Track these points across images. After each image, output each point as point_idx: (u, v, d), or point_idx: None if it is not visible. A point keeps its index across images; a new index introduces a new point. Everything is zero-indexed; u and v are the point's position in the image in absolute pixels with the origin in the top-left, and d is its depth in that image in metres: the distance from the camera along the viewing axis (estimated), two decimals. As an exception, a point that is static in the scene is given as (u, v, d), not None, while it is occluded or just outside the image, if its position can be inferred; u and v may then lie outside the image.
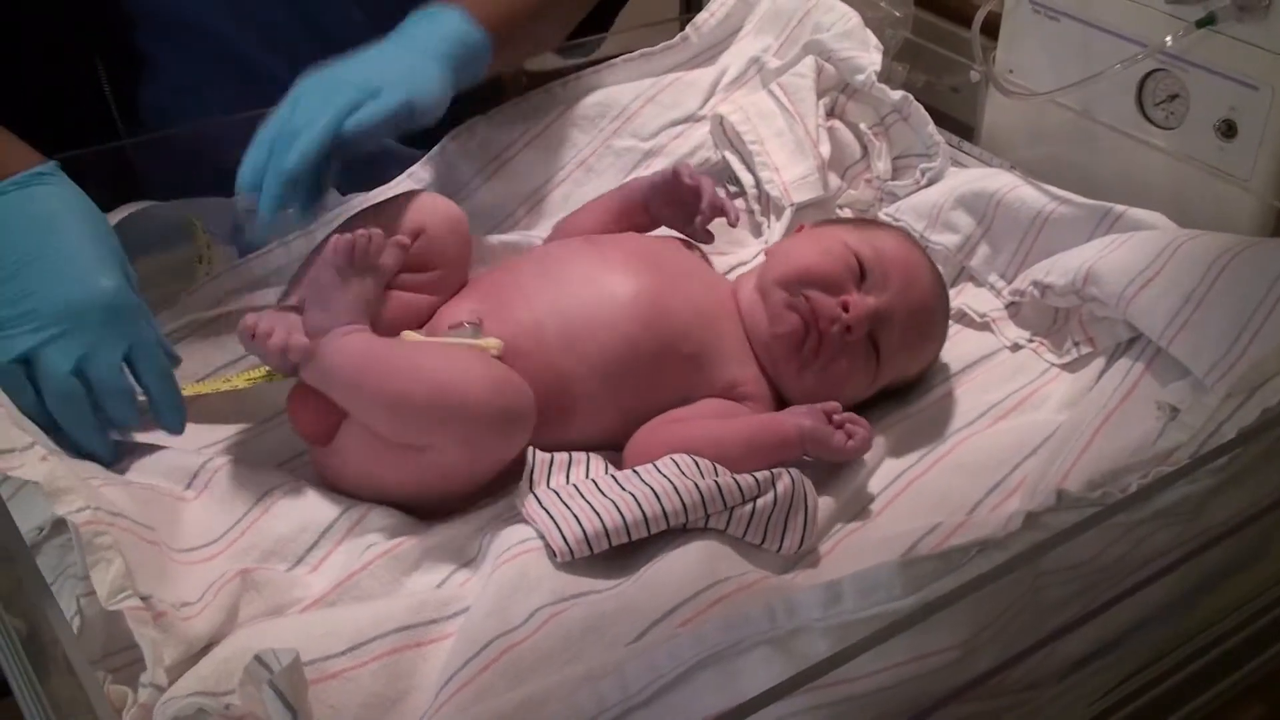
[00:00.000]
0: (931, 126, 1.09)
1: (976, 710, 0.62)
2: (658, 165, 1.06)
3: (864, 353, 0.85)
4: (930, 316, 0.89)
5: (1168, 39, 0.95)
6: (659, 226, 0.96)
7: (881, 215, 1.08)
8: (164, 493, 0.73)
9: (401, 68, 0.86)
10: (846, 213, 1.09)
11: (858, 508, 0.80)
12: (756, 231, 1.07)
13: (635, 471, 0.74)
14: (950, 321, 0.94)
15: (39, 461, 0.64)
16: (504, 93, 1.15)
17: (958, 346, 0.95)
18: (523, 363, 0.78)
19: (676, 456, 0.75)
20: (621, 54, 1.14)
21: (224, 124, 0.95)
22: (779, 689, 0.49)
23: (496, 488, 0.77)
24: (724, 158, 1.10)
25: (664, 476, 0.73)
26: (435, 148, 1.05)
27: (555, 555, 0.70)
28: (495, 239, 0.97)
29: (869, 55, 1.11)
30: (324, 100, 0.81)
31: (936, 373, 0.92)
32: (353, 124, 0.80)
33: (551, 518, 0.71)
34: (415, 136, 0.92)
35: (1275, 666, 0.78)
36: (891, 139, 1.11)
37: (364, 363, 0.75)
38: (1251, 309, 0.79)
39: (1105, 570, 0.62)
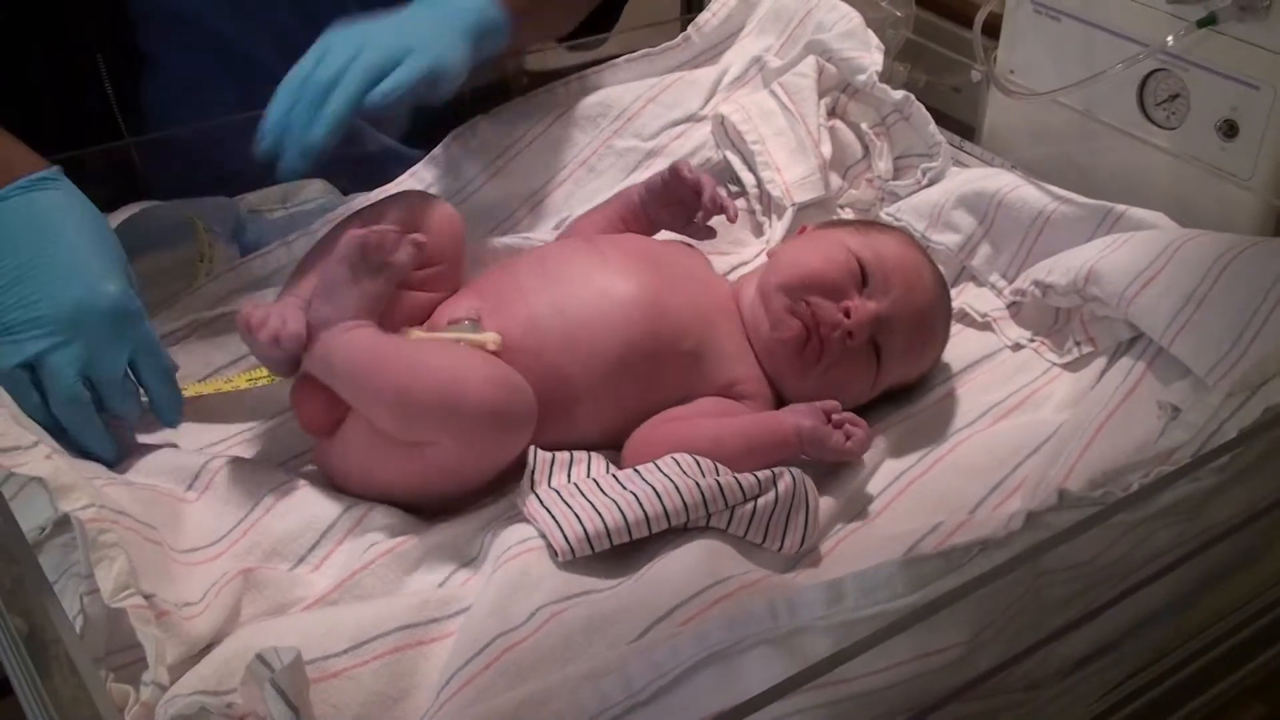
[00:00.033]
0: (933, 126, 1.09)
1: (977, 710, 0.62)
2: (659, 165, 1.06)
3: (865, 357, 0.85)
4: (932, 321, 0.89)
5: (1169, 39, 0.95)
6: (658, 231, 0.96)
7: (883, 215, 1.08)
8: (166, 493, 0.74)
9: (428, 33, 0.85)
10: (848, 213, 1.09)
11: (859, 507, 0.80)
12: (758, 231, 1.07)
13: (636, 470, 0.74)
14: (951, 321, 0.94)
15: (43, 459, 0.64)
16: (507, 93, 1.15)
17: (959, 346, 0.95)
18: (522, 361, 0.78)
19: (677, 455, 0.75)
20: (623, 54, 1.14)
21: (226, 123, 0.95)
22: (781, 687, 0.49)
23: (497, 487, 0.77)
24: (725, 158, 1.10)
25: (665, 475, 0.73)
26: (437, 147, 1.05)
27: (557, 554, 0.70)
28: (499, 241, 0.97)
29: (870, 55, 1.11)
30: (351, 58, 0.80)
31: (937, 372, 0.92)
32: (379, 94, 0.80)
33: (553, 517, 0.71)
34: (417, 136, 0.92)
35: (1275, 666, 0.78)
36: (893, 139, 1.11)
37: (368, 358, 0.75)
38: (1253, 309, 0.79)
39: (1106, 569, 0.62)
